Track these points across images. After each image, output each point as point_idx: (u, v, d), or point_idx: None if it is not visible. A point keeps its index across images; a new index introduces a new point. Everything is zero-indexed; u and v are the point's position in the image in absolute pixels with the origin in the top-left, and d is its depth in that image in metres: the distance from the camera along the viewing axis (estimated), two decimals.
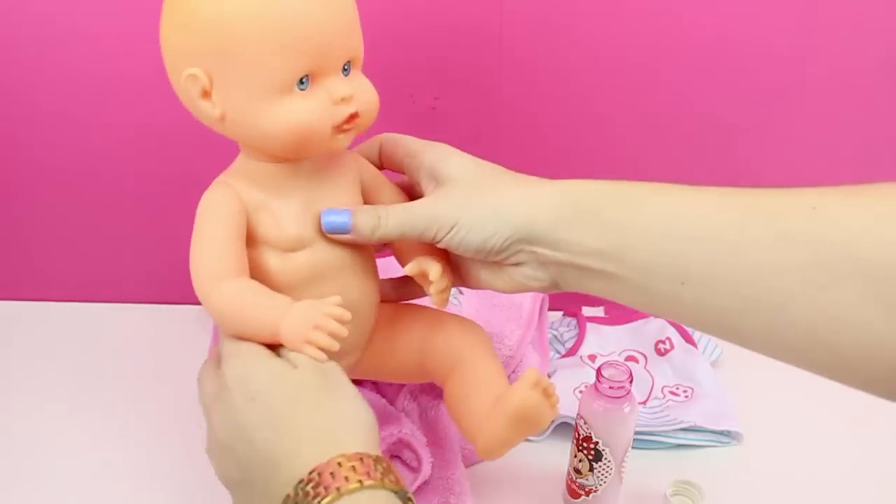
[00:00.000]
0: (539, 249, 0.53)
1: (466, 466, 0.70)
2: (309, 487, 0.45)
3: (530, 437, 0.74)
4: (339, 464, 0.46)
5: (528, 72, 0.76)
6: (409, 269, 0.57)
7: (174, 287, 0.87)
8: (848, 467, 0.73)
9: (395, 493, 0.46)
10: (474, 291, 0.65)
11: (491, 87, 0.76)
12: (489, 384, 0.59)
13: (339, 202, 0.57)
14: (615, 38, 0.75)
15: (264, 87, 0.51)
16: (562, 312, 0.88)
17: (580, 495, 0.67)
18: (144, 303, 0.88)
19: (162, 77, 0.76)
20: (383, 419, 0.72)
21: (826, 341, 0.44)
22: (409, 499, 0.47)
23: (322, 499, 0.44)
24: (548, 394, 0.57)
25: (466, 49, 0.74)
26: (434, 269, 0.56)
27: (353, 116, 0.53)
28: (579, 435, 0.65)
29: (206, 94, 0.53)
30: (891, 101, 0.80)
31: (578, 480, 0.67)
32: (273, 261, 0.56)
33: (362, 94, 0.54)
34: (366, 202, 0.59)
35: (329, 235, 0.56)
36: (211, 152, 0.79)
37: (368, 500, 0.45)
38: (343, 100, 0.53)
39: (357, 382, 0.70)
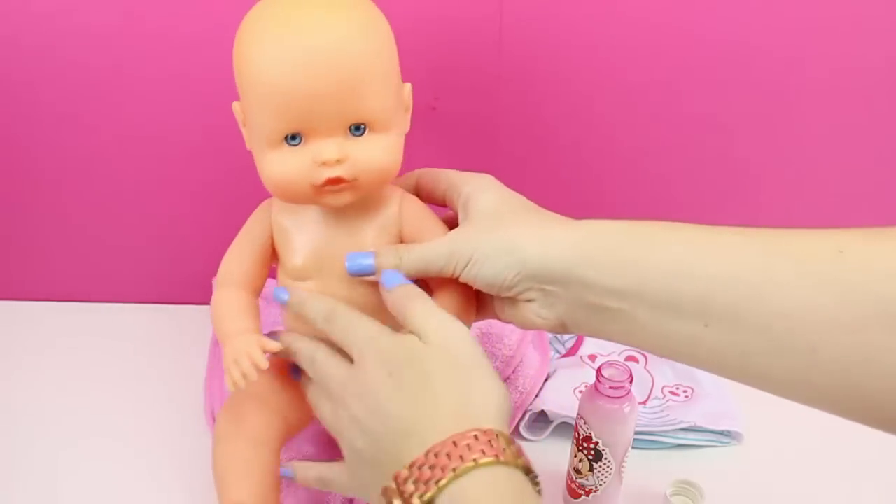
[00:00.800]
0: (549, 287, 0.52)
1: None
2: (443, 454, 0.45)
3: (530, 437, 0.74)
4: (476, 437, 0.46)
5: (528, 72, 0.76)
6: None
7: (175, 287, 0.87)
8: (848, 467, 0.73)
9: (526, 473, 0.47)
10: None
11: (491, 87, 0.76)
12: None
13: (359, 242, 0.59)
14: (615, 39, 0.75)
15: (260, 136, 0.56)
16: None
17: (580, 495, 0.67)
18: (144, 303, 0.88)
19: (163, 77, 0.76)
20: None
21: (857, 384, 0.44)
22: (538, 482, 0.48)
23: (457, 468, 0.44)
24: None
25: (466, 49, 0.74)
26: None
27: (334, 181, 0.54)
28: (579, 435, 0.65)
29: (244, 125, 0.59)
30: (891, 106, 0.80)
31: (578, 480, 0.67)
32: (285, 284, 0.61)
33: (361, 159, 0.55)
34: (408, 242, 0.60)
35: (354, 276, 0.58)
36: (212, 153, 0.80)
37: (505, 476, 0.46)
38: (324, 163, 0.54)
39: None
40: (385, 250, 0.57)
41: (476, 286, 0.56)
